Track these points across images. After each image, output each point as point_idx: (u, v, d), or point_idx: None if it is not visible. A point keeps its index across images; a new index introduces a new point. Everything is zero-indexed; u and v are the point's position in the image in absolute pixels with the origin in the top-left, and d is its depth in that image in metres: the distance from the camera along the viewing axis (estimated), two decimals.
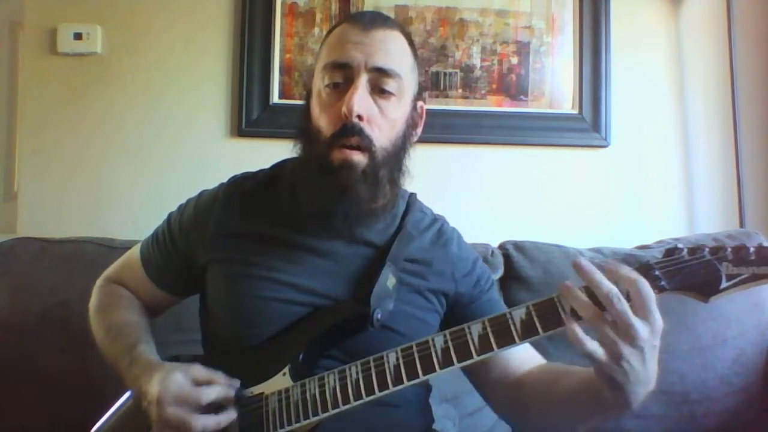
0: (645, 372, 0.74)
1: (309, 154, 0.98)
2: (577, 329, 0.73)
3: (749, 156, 1.80)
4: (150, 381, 0.87)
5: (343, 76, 0.94)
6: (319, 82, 0.97)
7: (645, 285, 0.73)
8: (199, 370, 0.88)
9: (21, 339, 1.41)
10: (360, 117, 0.91)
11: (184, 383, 0.85)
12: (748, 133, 1.81)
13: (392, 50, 0.96)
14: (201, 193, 1.10)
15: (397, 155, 0.97)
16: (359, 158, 0.92)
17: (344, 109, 0.91)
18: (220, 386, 0.87)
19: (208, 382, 0.87)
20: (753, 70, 1.84)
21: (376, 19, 0.98)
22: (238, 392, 0.87)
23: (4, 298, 1.44)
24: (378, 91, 0.94)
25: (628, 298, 0.73)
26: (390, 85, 0.94)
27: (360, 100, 0.91)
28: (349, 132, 0.91)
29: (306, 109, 1.02)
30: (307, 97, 1.03)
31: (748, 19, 1.85)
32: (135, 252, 1.14)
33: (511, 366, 1.01)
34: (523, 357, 1.02)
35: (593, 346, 0.72)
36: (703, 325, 1.47)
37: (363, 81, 0.93)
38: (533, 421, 0.98)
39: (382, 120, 0.94)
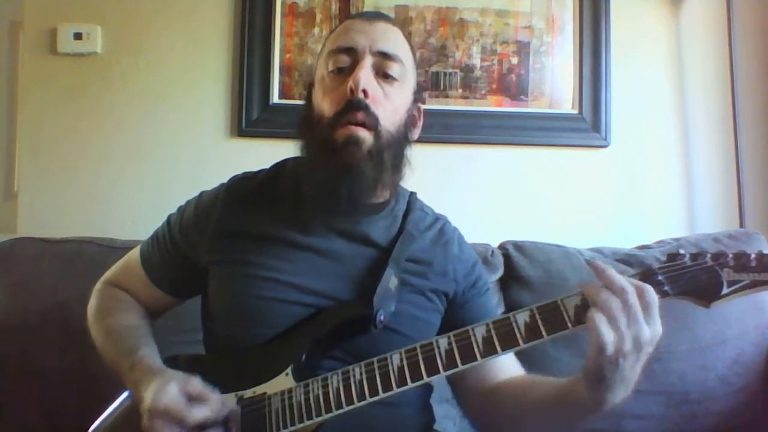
0: (631, 374, 0.75)
1: (312, 139, 0.98)
2: (601, 317, 0.74)
3: (749, 156, 1.80)
4: (147, 388, 0.86)
5: (349, 60, 0.96)
6: (323, 70, 0.99)
7: (650, 291, 0.75)
8: (194, 385, 0.85)
9: (21, 339, 1.41)
10: (365, 93, 0.92)
11: (175, 398, 0.83)
12: (748, 133, 1.81)
13: (394, 39, 0.99)
14: (201, 194, 1.09)
15: (399, 142, 0.98)
16: (365, 134, 0.93)
17: (350, 83, 0.92)
18: (211, 406, 0.84)
19: (201, 399, 0.84)
20: (753, 70, 1.84)
21: (379, 14, 1.03)
22: (234, 410, 0.86)
23: (4, 298, 1.44)
24: (382, 75, 0.96)
25: None
26: (393, 69, 0.97)
27: (366, 76, 0.93)
28: (355, 107, 0.92)
29: (307, 106, 1.02)
30: (308, 95, 1.04)
31: (748, 19, 1.85)
32: (135, 254, 1.13)
33: (490, 373, 1.02)
34: (502, 366, 1.02)
35: (609, 338, 0.73)
36: (702, 325, 1.47)
37: (368, 62, 0.95)
38: (505, 428, 0.99)
39: (386, 102, 0.96)
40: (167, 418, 0.82)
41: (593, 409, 0.79)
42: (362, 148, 0.92)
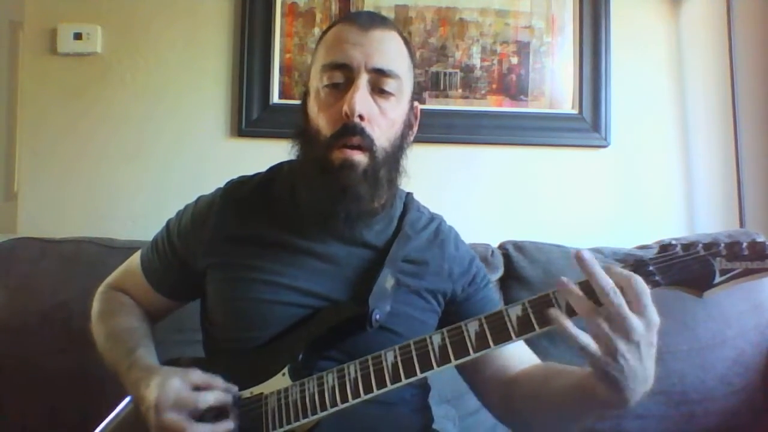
0: (642, 369, 0.74)
1: (308, 155, 0.98)
2: (568, 323, 0.74)
3: (749, 156, 1.80)
4: (148, 386, 0.87)
5: (343, 77, 0.94)
6: (318, 82, 0.97)
7: (638, 280, 0.74)
8: (197, 375, 0.87)
9: (21, 339, 1.41)
10: (361, 117, 0.91)
11: (181, 388, 0.84)
12: (748, 133, 1.81)
13: (391, 51, 0.96)
14: (198, 199, 1.09)
15: (395, 155, 0.98)
16: (360, 158, 0.92)
17: (346, 108, 0.91)
18: (218, 391, 0.86)
19: (207, 387, 0.86)
20: (753, 70, 1.84)
21: (374, 19, 0.99)
22: (235, 397, 0.87)
23: (4, 298, 1.44)
24: (377, 91, 0.94)
25: (623, 293, 0.74)
26: (389, 85, 0.95)
27: (361, 99, 0.91)
28: (351, 132, 0.92)
29: (303, 109, 1.02)
30: (304, 97, 1.03)
31: (748, 19, 1.85)
32: (135, 259, 1.14)
33: (506, 364, 1.01)
34: (519, 356, 1.02)
35: (586, 339, 0.73)
36: (702, 325, 1.47)
37: (363, 81, 0.93)
38: (525, 419, 0.99)
39: (382, 120, 0.94)
40: (177, 409, 0.83)
41: (617, 405, 0.77)
42: (357, 170, 0.92)
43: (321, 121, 0.95)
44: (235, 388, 0.88)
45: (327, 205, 0.94)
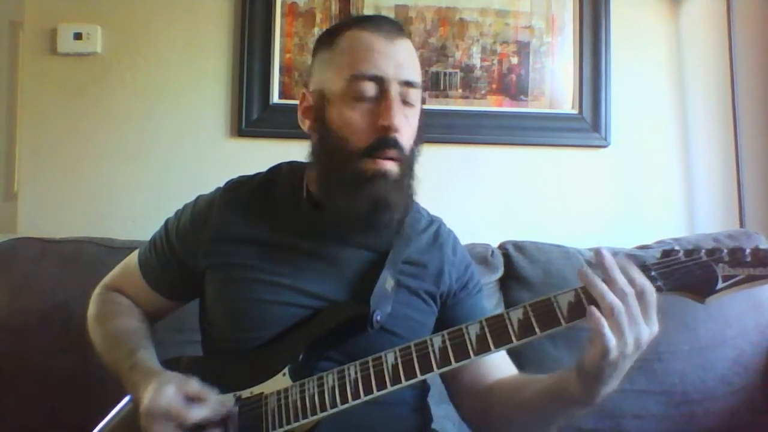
0: (624, 370, 0.77)
1: (331, 165, 0.96)
2: (604, 320, 0.74)
3: (749, 156, 1.80)
4: (146, 389, 0.86)
5: (376, 88, 0.93)
6: (342, 87, 0.94)
7: (651, 291, 0.75)
8: (193, 386, 0.86)
9: (21, 339, 1.41)
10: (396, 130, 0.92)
11: (174, 398, 0.83)
12: (748, 133, 1.81)
13: (414, 61, 0.97)
14: (197, 199, 1.09)
15: (412, 162, 0.98)
16: (392, 167, 0.93)
17: (385, 123, 0.91)
18: (210, 406, 0.84)
19: (200, 399, 0.84)
20: (753, 70, 1.84)
21: (393, 28, 0.98)
22: (231, 410, 0.86)
23: (4, 298, 1.44)
24: (403, 102, 0.95)
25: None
26: (413, 96, 0.96)
27: (398, 114, 0.92)
28: (387, 145, 0.92)
29: (321, 122, 0.98)
30: (320, 101, 0.98)
31: (748, 19, 1.85)
32: (133, 259, 1.13)
33: (483, 372, 1.02)
34: (497, 365, 1.03)
35: (613, 342, 0.73)
36: (703, 325, 1.47)
37: (396, 94, 0.93)
38: (499, 426, 0.99)
39: (408, 130, 0.96)
40: (166, 419, 0.82)
41: (585, 403, 0.80)
42: (390, 180, 0.93)
43: (350, 133, 0.93)
44: (231, 403, 0.87)
45: (362, 217, 0.93)
